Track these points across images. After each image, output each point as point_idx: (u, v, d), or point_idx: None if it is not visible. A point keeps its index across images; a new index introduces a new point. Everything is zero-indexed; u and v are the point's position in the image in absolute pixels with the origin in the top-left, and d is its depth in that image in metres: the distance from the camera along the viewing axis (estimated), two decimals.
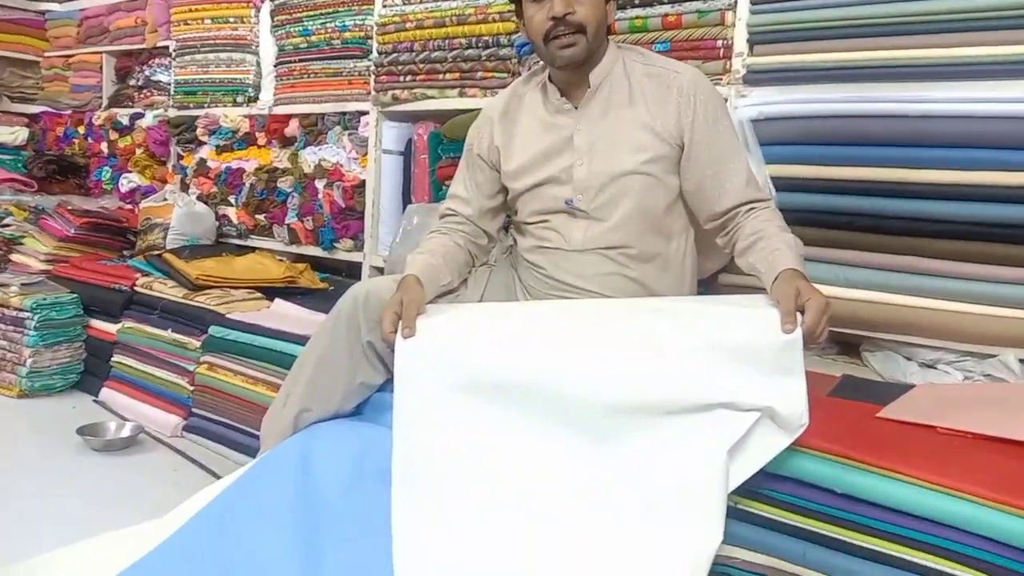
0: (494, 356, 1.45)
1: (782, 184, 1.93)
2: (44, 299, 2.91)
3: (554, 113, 1.71)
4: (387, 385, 1.68)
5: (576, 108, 1.69)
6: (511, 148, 1.75)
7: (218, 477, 2.08)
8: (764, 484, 1.37)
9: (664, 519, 1.30)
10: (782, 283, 1.42)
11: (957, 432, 1.39)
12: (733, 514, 1.36)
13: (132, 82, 4.09)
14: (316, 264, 3.18)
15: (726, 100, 1.97)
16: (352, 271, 3.05)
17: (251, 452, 2.09)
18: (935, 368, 1.80)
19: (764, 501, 1.37)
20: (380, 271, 2.77)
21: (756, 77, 1.97)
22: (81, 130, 4.29)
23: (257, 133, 3.31)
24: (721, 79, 2.02)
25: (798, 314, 1.35)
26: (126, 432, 2.50)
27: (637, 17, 2.15)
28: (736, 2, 2.00)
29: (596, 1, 1.61)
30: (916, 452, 1.32)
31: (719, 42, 2.02)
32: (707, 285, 2.03)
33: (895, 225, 1.81)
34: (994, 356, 1.72)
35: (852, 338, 1.94)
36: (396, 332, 1.50)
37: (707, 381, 1.34)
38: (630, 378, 1.37)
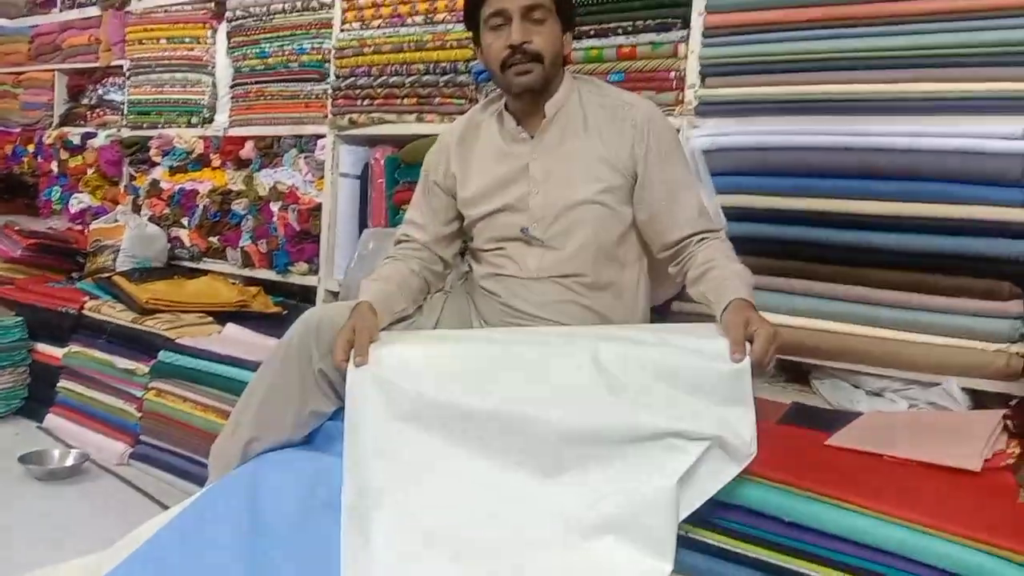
0: (446, 386, 1.44)
1: (733, 214, 1.95)
2: None
3: (510, 142, 1.72)
4: (338, 414, 1.66)
5: (532, 137, 1.70)
6: (467, 175, 1.76)
7: (165, 507, 2.04)
8: (714, 513, 1.37)
9: (614, 549, 1.30)
10: (731, 313, 1.44)
11: (902, 460, 1.42)
12: (683, 543, 1.36)
13: (84, 101, 4.03)
14: (270, 288, 3.13)
15: (679, 131, 2.00)
16: (307, 295, 3.02)
17: (200, 481, 2.04)
18: (882, 396, 1.83)
19: (714, 530, 1.37)
20: (335, 295, 2.75)
21: (708, 108, 2.01)
22: (31, 148, 4.20)
23: (212, 155, 3.28)
24: (674, 110, 2.06)
25: (747, 343, 1.37)
26: (70, 460, 2.43)
27: (593, 48, 2.18)
28: (688, 35, 2.04)
29: (552, 31, 1.64)
30: (862, 480, 1.34)
31: (672, 73, 2.06)
32: (660, 312, 2.05)
33: (842, 255, 1.85)
34: (938, 384, 1.76)
35: (802, 366, 1.97)
36: (348, 360, 1.49)
37: (657, 411, 1.35)
38: (581, 408, 1.37)
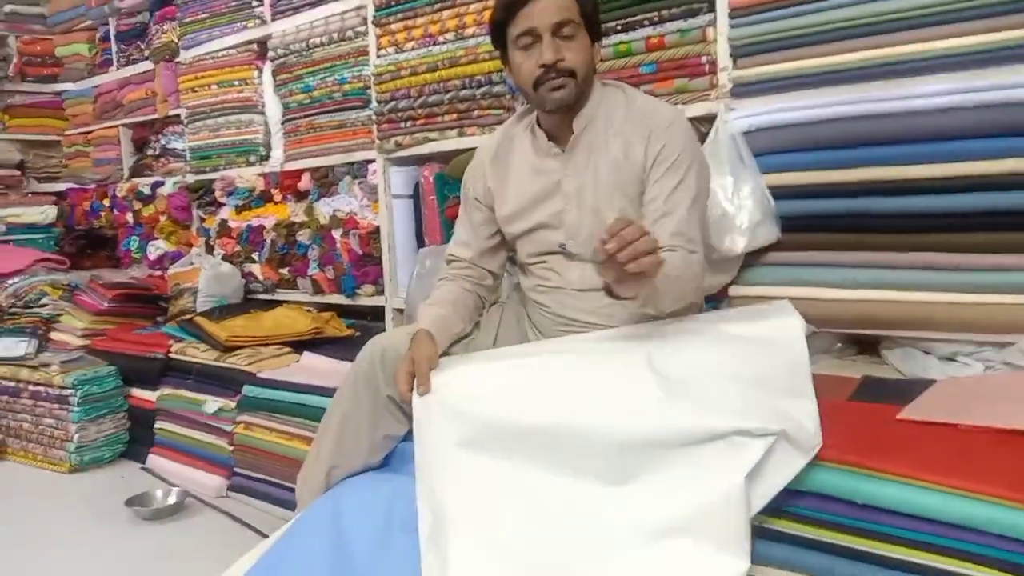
0: (507, 406, 1.48)
1: (781, 192, 1.93)
2: (84, 375, 3.01)
3: (543, 156, 1.73)
4: (410, 435, 1.71)
5: (563, 151, 1.70)
6: (504, 192, 1.78)
7: (265, 535, 2.13)
8: (787, 501, 1.37)
9: (689, 550, 1.31)
10: None
11: (978, 428, 1.39)
12: (757, 532, 1.37)
13: (149, 152, 4.21)
14: (341, 310, 3.24)
15: (715, 116, 1.99)
16: (376, 314, 3.10)
17: (295, 506, 2.12)
18: (955, 361, 1.79)
19: (788, 518, 1.37)
20: (402, 312, 2.82)
21: (743, 90, 1.98)
22: (106, 203, 4.40)
23: (272, 190, 3.38)
24: (709, 95, 2.04)
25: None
26: (173, 499, 2.56)
27: (621, 43, 2.17)
28: (715, 18, 2.02)
29: (583, 45, 1.63)
30: (936, 454, 1.32)
31: (703, 59, 2.04)
32: (717, 299, 2.05)
33: (896, 223, 1.80)
34: (1012, 344, 1.71)
35: (870, 337, 1.94)
36: (412, 390, 1.54)
37: (717, 410, 1.35)
38: (641, 414, 1.38)
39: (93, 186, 4.53)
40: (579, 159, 1.69)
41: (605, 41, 2.15)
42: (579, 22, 1.61)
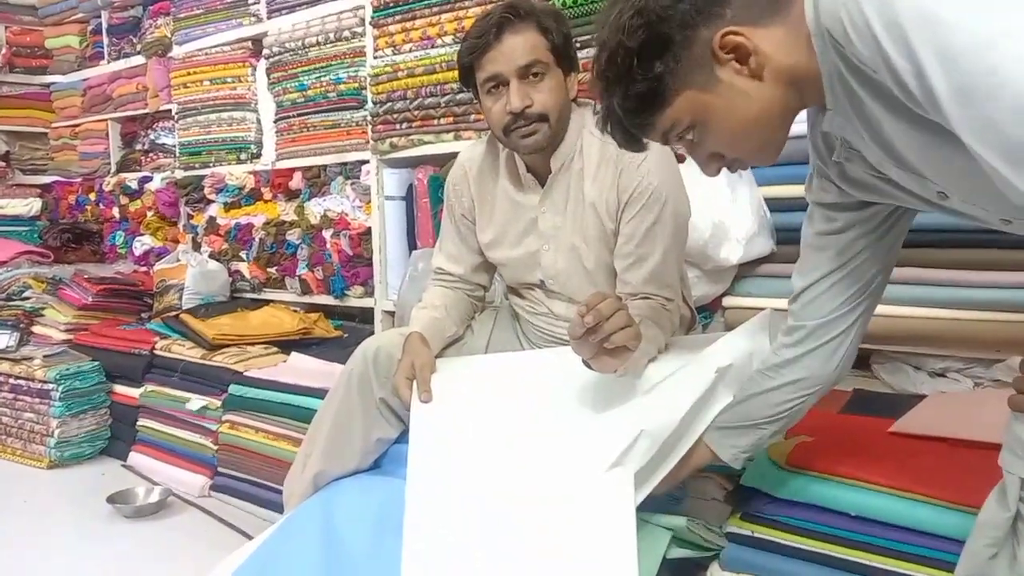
0: (505, 413, 1.48)
1: (778, 205, 1.94)
2: (67, 369, 2.98)
3: (521, 189, 1.67)
4: (403, 437, 1.70)
5: (542, 187, 1.64)
6: (484, 215, 1.74)
7: (249, 536, 2.11)
8: (780, 511, 1.39)
9: None
10: None
11: (968, 442, 1.40)
12: (751, 543, 1.39)
13: (138, 146, 4.17)
14: (330, 312, 3.22)
15: None
16: (365, 316, 3.09)
17: (278, 508, 2.11)
18: (945, 376, 1.81)
19: (781, 529, 1.38)
20: (392, 315, 2.81)
21: None
22: (92, 196, 4.36)
23: (263, 188, 3.37)
24: None
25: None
26: (155, 497, 2.53)
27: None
28: None
29: (555, 84, 1.54)
30: (929, 468, 1.33)
31: None
32: (712, 308, 2.05)
33: None
34: (1001, 360, 1.72)
35: (861, 351, 1.94)
36: (412, 393, 1.53)
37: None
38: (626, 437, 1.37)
39: (79, 180, 4.48)
40: (556, 197, 1.62)
41: (582, 54, 2.14)
42: (548, 60, 1.52)
